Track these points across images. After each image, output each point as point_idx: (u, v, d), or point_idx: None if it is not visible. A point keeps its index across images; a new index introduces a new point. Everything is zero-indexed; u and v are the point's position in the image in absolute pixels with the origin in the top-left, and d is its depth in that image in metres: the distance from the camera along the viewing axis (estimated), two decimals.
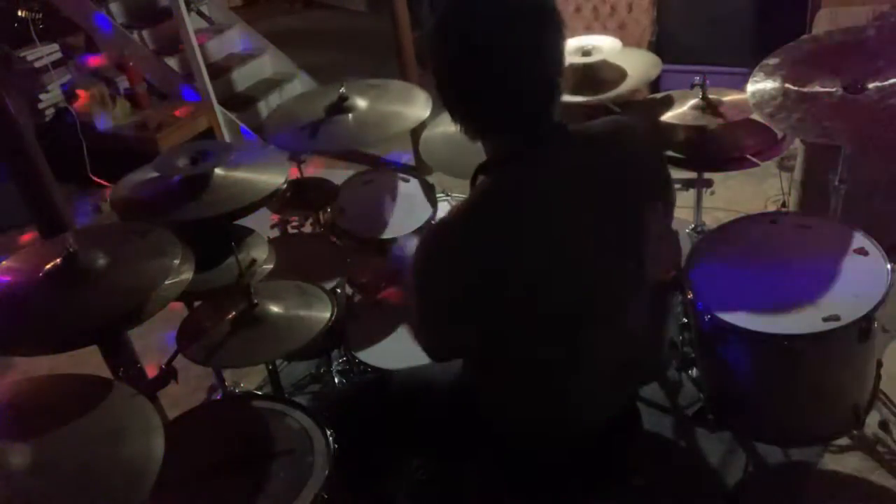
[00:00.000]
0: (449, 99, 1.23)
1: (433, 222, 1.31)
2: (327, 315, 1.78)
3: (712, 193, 2.44)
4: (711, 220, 2.74)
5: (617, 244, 1.29)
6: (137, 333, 2.07)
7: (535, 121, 1.22)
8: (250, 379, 2.60)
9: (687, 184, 2.35)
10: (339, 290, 2.16)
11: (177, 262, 1.65)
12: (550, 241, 1.23)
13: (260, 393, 2.40)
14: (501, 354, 1.39)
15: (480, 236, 1.22)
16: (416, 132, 2.37)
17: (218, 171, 2.04)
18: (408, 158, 3.72)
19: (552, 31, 1.18)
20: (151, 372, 2.00)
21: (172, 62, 4.59)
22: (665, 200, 1.43)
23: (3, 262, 1.70)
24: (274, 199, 2.27)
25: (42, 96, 4.34)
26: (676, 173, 2.42)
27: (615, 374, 1.44)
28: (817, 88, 1.95)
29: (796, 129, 1.93)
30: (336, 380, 2.39)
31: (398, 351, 1.99)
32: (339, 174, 2.58)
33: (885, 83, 1.89)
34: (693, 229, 2.56)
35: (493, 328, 1.30)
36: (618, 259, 1.31)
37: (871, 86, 1.90)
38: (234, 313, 1.76)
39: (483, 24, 1.14)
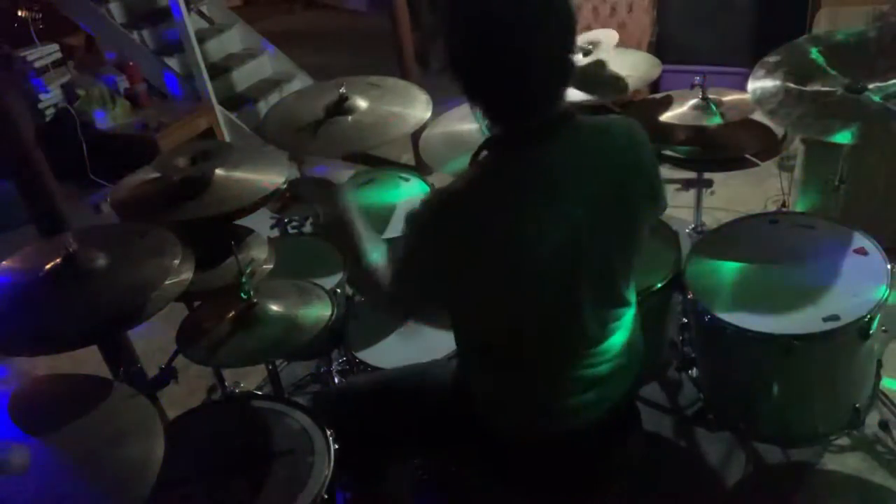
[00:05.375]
0: (462, 80, 1.24)
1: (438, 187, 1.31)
2: (327, 315, 1.78)
3: (712, 193, 2.44)
4: (711, 220, 2.74)
5: (609, 234, 1.31)
6: (137, 333, 2.07)
7: (545, 104, 1.24)
8: (250, 379, 2.60)
9: (687, 184, 2.35)
10: (338, 290, 2.16)
11: (177, 262, 1.65)
12: (544, 220, 1.25)
13: (260, 393, 2.40)
14: (485, 335, 1.41)
15: (477, 207, 1.24)
16: (417, 132, 2.37)
17: (218, 171, 2.04)
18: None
19: (564, 14, 1.20)
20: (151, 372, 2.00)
21: (172, 62, 4.60)
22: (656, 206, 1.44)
23: (3, 262, 1.70)
24: (274, 199, 2.27)
25: (42, 96, 4.34)
26: (676, 173, 2.42)
27: (608, 376, 1.44)
28: (818, 88, 1.95)
29: (798, 126, 1.93)
30: (336, 380, 2.38)
31: (398, 351, 1.99)
32: (338, 174, 2.58)
33: (885, 83, 1.89)
34: (693, 229, 2.56)
35: (471, 301, 1.32)
36: (607, 249, 1.32)
37: (871, 86, 1.90)
38: (233, 313, 1.76)
39: (498, 5, 1.16)
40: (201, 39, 4.50)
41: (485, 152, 1.29)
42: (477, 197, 1.25)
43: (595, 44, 2.40)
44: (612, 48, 2.39)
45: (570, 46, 1.22)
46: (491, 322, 1.37)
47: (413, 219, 1.30)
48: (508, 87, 1.22)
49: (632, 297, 1.45)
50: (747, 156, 2.18)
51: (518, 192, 1.24)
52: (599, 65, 2.40)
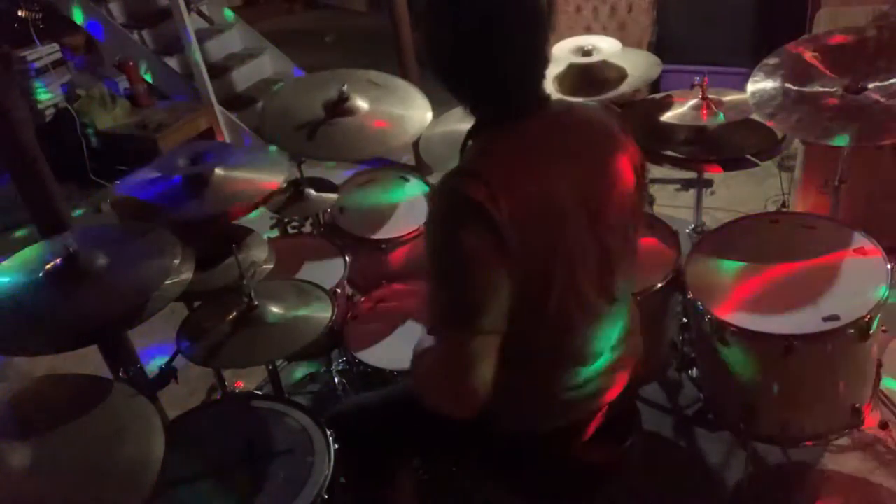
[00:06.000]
0: (443, 73, 1.27)
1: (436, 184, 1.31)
2: (327, 315, 1.77)
3: (712, 193, 2.44)
4: (711, 220, 2.75)
5: (603, 209, 1.31)
6: (137, 333, 2.07)
7: (527, 90, 1.28)
8: (250, 379, 2.60)
9: (687, 184, 2.35)
10: (338, 290, 2.16)
11: (177, 262, 1.65)
12: (535, 205, 1.25)
13: (260, 393, 2.40)
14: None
15: (472, 196, 1.22)
16: None
17: (218, 170, 2.04)
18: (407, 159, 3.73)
19: (536, 8, 1.24)
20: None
21: (172, 62, 4.59)
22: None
23: (4, 262, 1.70)
24: (274, 199, 2.27)
25: (42, 96, 4.33)
26: (676, 173, 2.43)
27: (605, 368, 1.44)
28: (817, 88, 1.95)
29: (796, 129, 1.94)
30: (336, 380, 2.39)
31: (398, 351, 1.99)
32: (339, 174, 2.58)
33: (885, 83, 1.89)
34: (693, 229, 2.56)
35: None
36: (602, 227, 1.32)
37: (871, 86, 1.90)
38: (234, 314, 1.76)
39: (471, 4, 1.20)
40: (201, 39, 4.50)
41: (470, 142, 1.33)
42: (482, 172, 1.24)
43: (597, 52, 2.41)
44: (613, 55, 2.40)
45: (544, 36, 1.26)
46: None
47: (431, 222, 1.26)
48: (490, 80, 1.25)
49: (629, 288, 1.46)
50: (747, 156, 2.18)
51: (501, 175, 1.24)
52: (599, 65, 2.40)
